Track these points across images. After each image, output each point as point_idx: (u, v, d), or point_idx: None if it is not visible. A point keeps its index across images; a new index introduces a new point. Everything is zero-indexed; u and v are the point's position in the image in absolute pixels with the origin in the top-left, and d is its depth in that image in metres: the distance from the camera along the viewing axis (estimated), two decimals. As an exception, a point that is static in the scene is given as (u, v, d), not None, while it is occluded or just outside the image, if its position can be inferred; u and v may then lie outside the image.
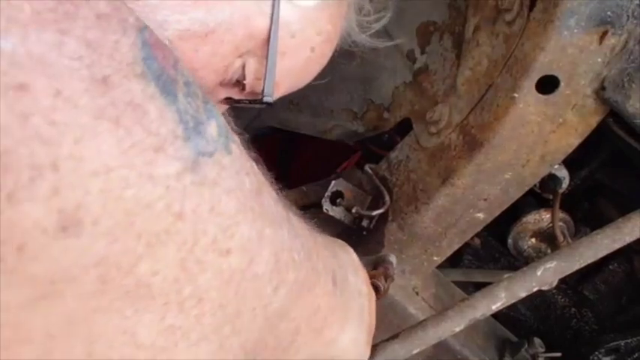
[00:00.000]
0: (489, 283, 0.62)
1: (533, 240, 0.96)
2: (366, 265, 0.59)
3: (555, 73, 0.63)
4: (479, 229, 0.80)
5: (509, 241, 0.97)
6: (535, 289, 0.60)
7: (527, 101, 0.66)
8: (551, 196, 0.88)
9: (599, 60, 0.62)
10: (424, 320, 0.61)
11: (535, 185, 0.79)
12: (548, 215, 0.92)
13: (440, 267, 0.89)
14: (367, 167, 0.86)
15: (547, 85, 0.64)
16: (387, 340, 0.60)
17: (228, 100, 0.65)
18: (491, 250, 1.03)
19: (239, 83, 0.62)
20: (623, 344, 0.93)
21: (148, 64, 0.30)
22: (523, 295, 0.60)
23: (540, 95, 0.65)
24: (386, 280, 0.61)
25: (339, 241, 0.58)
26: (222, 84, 0.62)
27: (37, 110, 0.26)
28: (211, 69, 0.59)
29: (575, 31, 0.61)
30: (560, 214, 0.90)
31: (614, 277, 1.02)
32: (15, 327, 0.28)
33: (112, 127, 0.28)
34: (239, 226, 0.35)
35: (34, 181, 0.26)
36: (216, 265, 0.34)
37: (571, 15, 0.60)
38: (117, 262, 0.29)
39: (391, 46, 0.80)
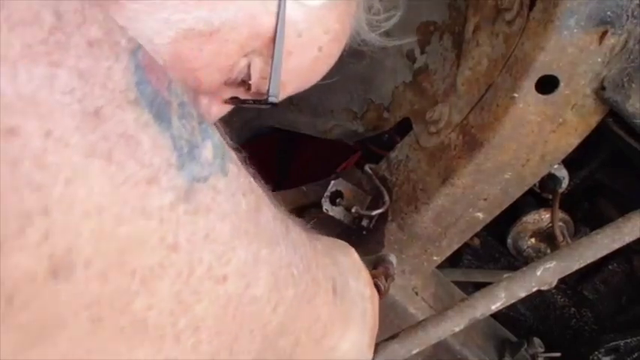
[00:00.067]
0: (489, 283, 0.62)
1: (533, 240, 0.96)
2: (366, 265, 0.59)
3: (555, 73, 0.63)
4: (478, 228, 0.80)
5: (509, 241, 0.97)
6: (535, 289, 0.60)
7: (527, 101, 0.66)
8: (550, 196, 0.89)
9: (599, 60, 0.62)
10: (424, 320, 0.61)
11: (535, 185, 0.79)
12: (548, 215, 0.92)
13: (440, 267, 0.89)
14: (367, 167, 0.86)
15: (547, 85, 0.64)
16: (387, 339, 0.59)
17: (233, 99, 0.64)
18: (491, 250, 1.03)
19: (244, 83, 0.61)
20: (622, 344, 0.93)
21: (141, 90, 0.29)
22: (523, 295, 0.60)
23: (540, 95, 0.65)
24: (386, 280, 0.61)
25: (341, 242, 0.57)
26: (228, 83, 0.61)
27: (27, 154, 0.25)
28: (216, 68, 0.58)
29: (575, 30, 0.61)
30: (560, 214, 0.90)
31: (614, 277, 1.02)
32: None
33: (104, 163, 0.27)
34: (235, 250, 0.34)
35: (23, 230, 0.25)
36: (213, 293, 0.33)
37: (571, 15, 0.60)
38: (110, 302, 0.28)
39: (391, 46, 0.80)
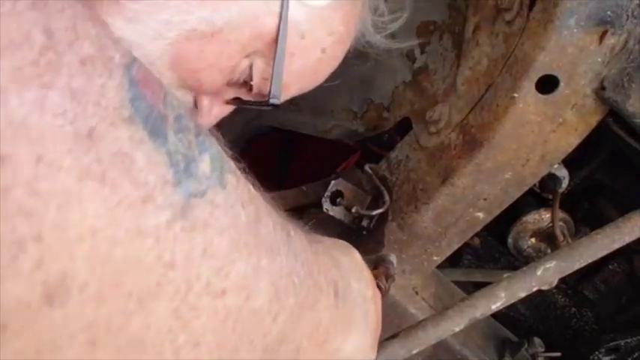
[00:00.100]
0: (489, 283, 0.62)
1: (533, 240, 0.96)
2: (366, 265, 0.59)
3: (555, 73, 0.63)
4: (478, 228, 0.80)
5: (509, 240, 0.97)
6: (535, 289, 0.60)
7: (527, 101, 0.66)
8: (550, 196, 0.89)
9: (599, 60, 0.62)
10: (424, 320, 0.61)
11: (535, 185, 0.79)
12: (548, 215, 0.92)
13: (440, 267, 0.89)
14: (367, 167, 0.86)
15: (547, 84, 0.64)
16: (387, 339, 0.59)
17: (235, 100, 0.64)
18: (491, 249, 1.03)
19: (246, 84, 0.61)
20: (622, 344, 0.93)
21: (135, 106, 0.29)
22: (523, 294, 0.60)
23: (540, 95, 0.65)
24: (387, 280, 0.61)
25: (343, 242, 0.57)
26: (229, 84, 0.61)
27: (19, 182, 0.24)
28: (217, 69, 0.58)
29: (575, 30, 0.61)
30: (560, 214, 0.90)
31: (614, 276, 1.02)
32: None
33: (98, 186, 0.27)
34: (234, 264, 0.33)
35: (17, 257, 0.24)
36: (212, 307, 0.32)
37: (571, 15, 0.60)
38: (107, 324, 0.28)
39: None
